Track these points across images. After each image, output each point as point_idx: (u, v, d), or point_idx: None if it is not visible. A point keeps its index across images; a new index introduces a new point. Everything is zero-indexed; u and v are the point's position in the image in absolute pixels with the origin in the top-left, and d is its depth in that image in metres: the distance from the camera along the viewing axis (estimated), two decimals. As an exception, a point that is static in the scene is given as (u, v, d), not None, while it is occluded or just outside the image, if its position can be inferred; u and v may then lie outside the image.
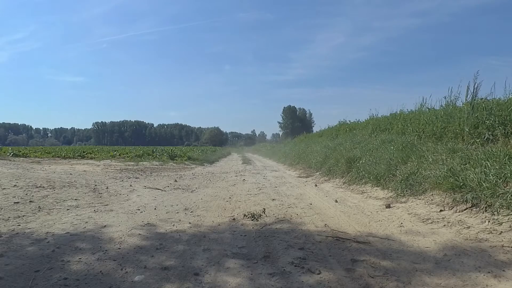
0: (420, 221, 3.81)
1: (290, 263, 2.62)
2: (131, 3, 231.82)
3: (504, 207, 3.29)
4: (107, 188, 6.70)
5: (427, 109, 8.19)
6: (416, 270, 2.46)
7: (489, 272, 2.37)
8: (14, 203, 4.79)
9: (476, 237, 3.12)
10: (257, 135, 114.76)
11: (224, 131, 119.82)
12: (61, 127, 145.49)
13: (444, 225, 3.55)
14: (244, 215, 4.21)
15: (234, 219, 4.13)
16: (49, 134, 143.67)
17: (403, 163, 5.68)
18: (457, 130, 5.98)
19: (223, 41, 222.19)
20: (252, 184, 7.78)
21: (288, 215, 4.32)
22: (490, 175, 3.68)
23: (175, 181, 8.27)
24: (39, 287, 2.20)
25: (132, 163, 14.45)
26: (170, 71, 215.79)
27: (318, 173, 9.46)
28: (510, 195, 3.32)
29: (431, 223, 3.69)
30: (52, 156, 18.40)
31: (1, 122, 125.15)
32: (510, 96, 6.05)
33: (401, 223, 3.80)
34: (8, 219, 3.90)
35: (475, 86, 6.27)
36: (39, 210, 4.44)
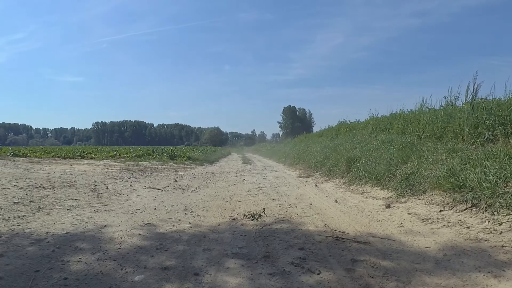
0: (420, 221, 3.81)
1: (290, 263, 2.62)
2: (131, 3, 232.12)
3: (504, 207, 3.29)
4: (107, 188, 6.70)
5: (427, 109, 8.19)
6: (416, 270, 2.46)
7: (489, 272, 2.37)
8: (14, 203, 4.79)
9: (476, 237, 3.12)
10: (257, 135, 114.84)
11: (224, 131, 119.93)
12: (61, 127, 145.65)
13: (444, 225, 3.55)
14: (244, 215, 4.21)
15: (234, 219, 4.13)
16: (49, 134, 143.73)
17: (403, 163, 5.68)
18: (457, 130, 5.98)
19: (223, 41, 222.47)
20: (252, 184, 7.78)
21: (288, 215, 4.32)
22: (490, 175, 3.68)
23: (175, 181, 8.27)
24: (39, 287, 2.20)
25: (132, 163, 14.45)
26: (170, 71, 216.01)
27: (318, 173, 9.46)
28: (510, 195, 3.32)
29: (431, 223, 3.69)
30: (52, 156, 18.40)
31: (1, 122, 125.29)
32: (510, 96, 6.06)
33: (401, 223, 3.80)
34: (8, 219, 3.90)
35: (475, 86, 6.27)
36: (39, 210, 4.44)
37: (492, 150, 4.41)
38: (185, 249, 2.97)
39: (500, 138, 5.08)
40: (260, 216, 4.17)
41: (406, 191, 4.90)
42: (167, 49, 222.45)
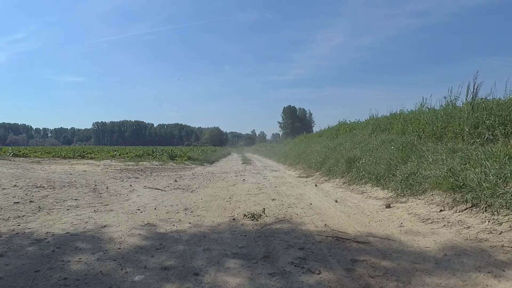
0: (420, 221, 3.81)
1: (290, 263, 2.62)
2: (131, 3, 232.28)
3: (504, 207, 3.29)
4: (107, 188, 6.70)
5: (427, 109, 8.18)
6: (416, 270, 2.45)
7: (489, 272, 2.37)
8: (14, 203, 4.79)
9: (476, 237, 3.12)
10: (257, 135, 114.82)
11: (224, 131, 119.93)
12: (61, 127, 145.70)
13: (444, 225, 3.55)
14: (244, 215, 4.21)
15: (234, 219, 4.13)
16: (49, 134, 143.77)
17: (403, 163, 5.68)
18: (457, 130, 5.98)
19: (223, 41, 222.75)
20: (252, 184, 7.78)
21: (288, 215, 4.32)
22: (490, 175, 3.68)
23: (175, 181, 8.27)
24: (39, 287, 2.20)
25: (132, 163, 14.45)
26: (170, 71, 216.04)
27: (318, 173, 9.46)
28: (510, 195, 3.32)
29: (431, 223, 3.69)
30: (52, 156, 18.40)
31: (1, 122, 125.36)
32: (510, 96, 6.06)
33: (401, 223, 3.79)
34: (8, 219, 3.90)
35: (475, 86, 6.27)
36: (39, 210, 4.44)
37: (492, 150, 4.41)
38: (185, 249, 2.97)
39: (500, 138, 5.08)
40: (260, 216, 4.17)
41: (406, 191, 4.90)
42: (167, 49, 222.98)
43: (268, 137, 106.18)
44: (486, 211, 3.46)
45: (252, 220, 4.03)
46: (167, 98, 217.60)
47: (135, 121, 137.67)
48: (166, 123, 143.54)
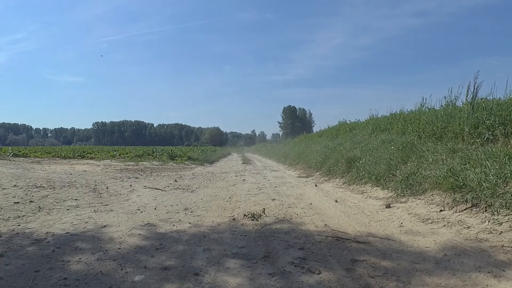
0: (420, 221, 3.81)
1: (290, 263, 2.62)
2: (131, 3, 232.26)
3: (504, 207, 3.29)
4: (107, 188, 6.70)
5: (427, 109, 8.19)
6: (416, 270, 2.46)
7: (489, 272, 2.37)
8: (14, 203, 4.79)
9: (476, 237, 3.12)
10: (257, 135, 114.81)
11: (224, 131, 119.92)
12: (61, 127, 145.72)
13: (444, 225, 3.55)
14: (244, 215, 4.21)
15: (234, 219, 4.13)
16: (49, 134, 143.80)
17: (403, 163, 5.68)
18: (457, 130, 5.97)
19: (223, 41, 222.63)
20: (252, 184, 7.78)
21: (288, 215, 4.32)
22: (490, 175, 3.68)
23: (175, 181, 8.27)
24: (39, 287, 2.20)
25: (132, 163, 14.45)
26: (170, 71, 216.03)
27: (318, 173, 9.46)
28: (510, 195, 3.32)
29: (431, 223, 3.69)
30: (52, 156, 18.40)
31: (1, 122, 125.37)
32: (510, 96, 6.06)
33: (401, 223, 3.79)
34: (8, 219, 3.90)
35: (475, 86, 6.26)
36: (39, 210, 4.44)
37: (492, 150, 4.41)
38: (185, 249, 2.97)
39: (500, 138, 5.08)
40: (260, 216, 4.17)
41: (406, 191, 4.90)
42: (167, 49, 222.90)
43: (268, 137, 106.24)
44: (486, 211, 3.46)
45: (252, 220, 4.03)
46: (167, 98, 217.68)
47: (135, 121, 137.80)
48: (166, 123, 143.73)
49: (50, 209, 4.54)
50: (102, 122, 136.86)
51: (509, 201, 3.27)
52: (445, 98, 7.51)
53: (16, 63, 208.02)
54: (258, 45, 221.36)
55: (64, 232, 3.45)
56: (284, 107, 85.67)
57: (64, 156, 18.06)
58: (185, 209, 4.76)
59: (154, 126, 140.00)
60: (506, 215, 3.21)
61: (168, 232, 3.54)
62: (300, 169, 11.70)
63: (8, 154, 17.36)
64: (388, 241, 3.16)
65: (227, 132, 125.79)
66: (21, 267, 2.49)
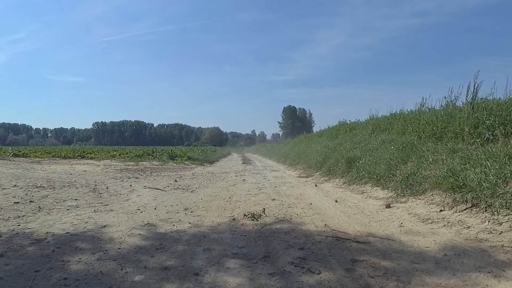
0: (420, 221, 3.81)
1: (290, 263, 2.62)
2: (130, 4, 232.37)
3: (504, 207, 3.29)
4: (107, 188, 6.70)
5: (427, 109, 8.18)
6: (416, 270, 2.45)
7: (489, 272, 2.37)
8: (14, 203, 4.79)
9: (476, 237, 3.12)
10: (257, 135, 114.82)
11: (224, 131, 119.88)
12: (61, 127, 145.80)
13: (444, 225, 3.55)
14: (244, 215, 4.21)
15: (234, 219, 4.13)
16: (49, 134, 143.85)
17: (403, 163, 5.68)
18: (457, 130, 5.97)
19: (223, 41, 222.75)
20: (252, 184, 7.78)
21: (288, 215, 4.32)
22: (490, 175, 3.68)
23: (175, 181, 8.27)
24: (39, 287, 2.20)
25: (132, 163, 14.45)
26: (170, 71, 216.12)
27: (318, 173, 9.46)
28: (510, 195, 3.32)
29: (431, 223, 3.69)
30: (52, 156, 18.40)
31: (1, 122, 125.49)
32: (510, 96, 6.06)
33: (401, 223, 3.79)
34: (8, 219, 3.90)
35: (475, 86, 6.26)
36: (39, 210, 4.44)
37: (492, 150, 4.41)
38: (185, 249, 2.97)
39: (500, 138, 5.08)
40: (260, 216, 4.17)
41: (406, 191, 4.89)
42: (167, 49, 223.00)
43: (268, 137, 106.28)
44: (486, 211, 3.46)
45: (252, 220, 4.03)
46: (167, 98, 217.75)
47: (135, 121, 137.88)
48: (166, 123, 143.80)
49: (50, 209, 4.54)
50: (102, 122, 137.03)
51: (509, 201, 3.27)
52: (445, 98, 7.52)
53: (16, 63, 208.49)
54: (258, 45, 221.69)
55: (64, 232, 3.45)
56: (284, 107, 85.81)
57: (64, 156, 18.06)
58: (185, 209, 4.76)
59: (154, 126, 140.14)
60: (506, 215, 3.21)
61: (168, 232, 3.54)
62: (300, 169, 11.70)
63: (8, 154, 17.36)
64: (388, 241, 3.16)
65: (227, 132, 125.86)
66: (21, 267, 2.49)
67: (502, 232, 3.07)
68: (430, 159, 5.13)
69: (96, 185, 7.03)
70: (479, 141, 5.31)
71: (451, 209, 3.85)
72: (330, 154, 9.76)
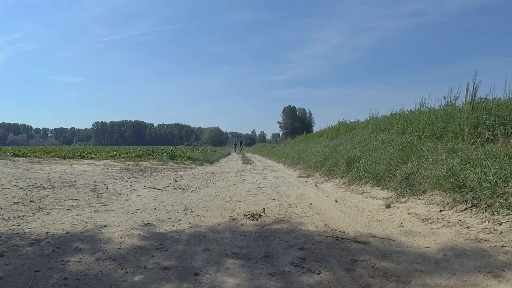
0: (420, 221, 3.81)
1: (290, 263, 2.62)
2: (129, 4, 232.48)
3: (504, 207, 3.29)
4: (107, 188, 6.70)
5: (427, 109, 8.18)
6: (416, 270, 2.45)
7: (489, 272, 2.36)
8: (14, 203, 4.79)
9: (476, 237, 3.12)
10: (257, 135, 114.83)
11: (224, 131, 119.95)
12: (61, 127, 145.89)
13: (444, 225, 3.55)
14: (244, 215, 4.21)
15: (234, 219, 4.12)
16: (49, 134, 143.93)
17: (403, 163, 5.68)
18: (457, 130, 5.97)
19: (221, 41, 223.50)
20: (252, 184, 7.78)
21: (288, 215, 4.32)
22: (490, 175, 3.68)
23: (175, 181, 8.27)
24: (39, 287, 2.20)
25: (132, 163, 14.44)
26: (170, 71, 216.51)
27: (318, 173, 9.46)
28: (510, 195, 3.31)
29: (431, 223, 3.69)
30: (52, 156, 18.39)
31: (1, 122, 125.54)
32: (510, 96, 6.05)
33: (401, 223, 3.79)
34: (8, 219, 3.90)
35: (475, 86, 6.26)
36: (39, 210, 4.44)
37: (492, 150, 4.40)
38: (185, 249, 2.97)
39: (500, 138, 5.08)
40: (260, 216, 4.17)
41: (406, 191, 4.89)
42: (166, 49, 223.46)
43: (268, 137, 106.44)
44: (486, 211, 3.45)
45: (252, 220, 4.03)
46: (167, 98, 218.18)
47: (135, 121, 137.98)
48: (166, 123, 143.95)
49: (50, 209, 4.54)
50: (102, 122, 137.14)
51: (509, 201, 3.27)
52: (444, 98, 7.52)
53: (15, 63, 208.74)
54: (255, 45, 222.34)
55: (64, 232, 3.45)
56: (284, 107, 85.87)
57: (64, 156, 18.05)
58: (185, 209, 4.76)
59: (154, 126, 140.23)
60: (506, 215, 3.21)
61: (168, 232, 3.54)
62: (300, 169, 11.70)
63: (8, 154, 17.35)
64: (388, 241, 3.16)
65: (227, 132, 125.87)
66: (21, 267, 2.49)
67: (502, 232, 3.07)
68: (430, 159, 5.13)
69: (96, 185, 7.03)
70: (479, 141, 5.31)
71: (451, 209, 3.85)
72: (330, 154, 9.76)
